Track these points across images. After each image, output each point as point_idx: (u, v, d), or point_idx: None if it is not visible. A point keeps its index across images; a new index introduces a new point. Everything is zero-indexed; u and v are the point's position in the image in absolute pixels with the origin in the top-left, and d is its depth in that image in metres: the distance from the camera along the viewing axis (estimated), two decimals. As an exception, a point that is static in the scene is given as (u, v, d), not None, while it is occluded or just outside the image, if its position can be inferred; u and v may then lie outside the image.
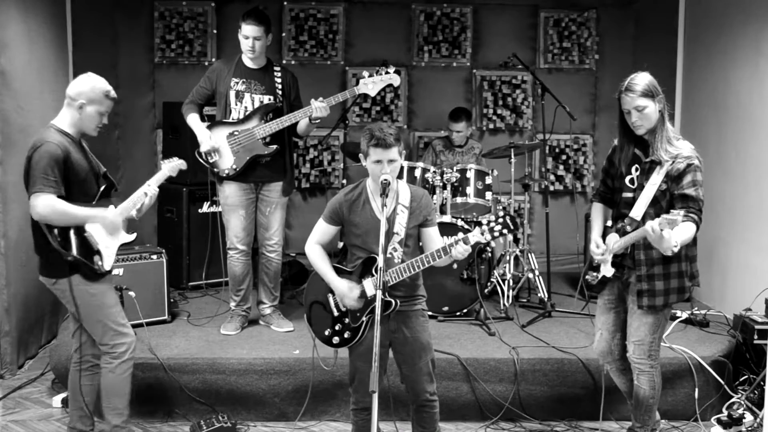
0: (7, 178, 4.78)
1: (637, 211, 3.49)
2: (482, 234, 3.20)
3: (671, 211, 3.20)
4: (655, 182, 3.45)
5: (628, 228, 3.48)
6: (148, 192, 3.71)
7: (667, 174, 3.43)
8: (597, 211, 3.77)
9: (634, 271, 3.53)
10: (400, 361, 3.44)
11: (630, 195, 3.56)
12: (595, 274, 3.65)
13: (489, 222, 3.21)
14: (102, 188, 3.61)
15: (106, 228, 3.56)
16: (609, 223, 3.70)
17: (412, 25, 6.96)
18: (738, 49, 5.42)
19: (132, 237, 3.74)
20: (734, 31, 5.46)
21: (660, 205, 3.45)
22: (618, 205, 3.65)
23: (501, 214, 3.22)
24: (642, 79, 3.45)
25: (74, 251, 3.44)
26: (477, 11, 6.97)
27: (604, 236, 3.62)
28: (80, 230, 3.48)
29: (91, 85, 3.53)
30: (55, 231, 3.44)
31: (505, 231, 3.19)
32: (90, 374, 3.74)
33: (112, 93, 3.59)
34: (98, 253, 3.53)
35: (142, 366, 4.25)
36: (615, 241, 3.52)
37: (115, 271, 4.06)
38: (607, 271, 3.59)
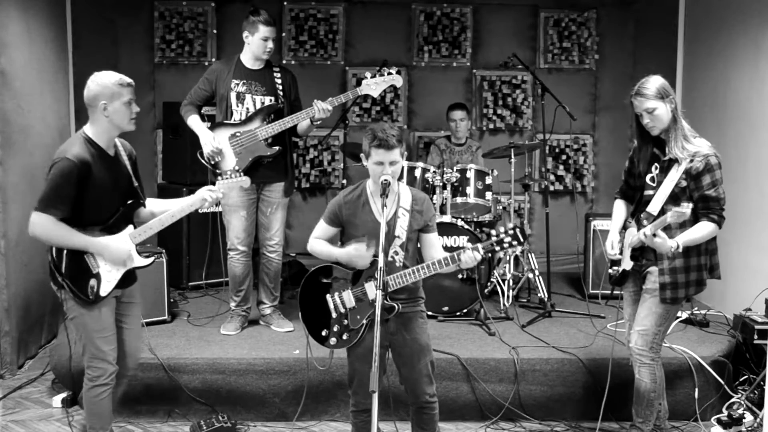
0: (7, 178, 4.78)
1: (654, 206, 3.57)
2: (492, 245, 3.15)
3: (682, 204, 3.29)
4: (673, 179, 3.52)
5: (645, 222, 3.54)
6: (176, 215, 3.50)
7: (687, 172, 3.49)
8: (618, 207, 3.86)
9: (656, 264, 3.59)
10: (399, 363, 3.42)
11: (651, 193, 3.62)
12: (616, 268, 3.75)
13: (499, 234, 3.17)
14: (122, 208, 3.42)
15: (108, 259, 3.37)
16: (632, 218, 3.76)
17: (412, 25, 6.97)
18: (738, 49, 5.42)
19: (147, 261, 3.50)
20: (734, 31, 5.47)
21: (680, 202, 3.49)
22: (639, 202, 3.71)
23: (510, 226, 3.17)
24: (651, 83, 3.54)
25: (67, 274, 3.29)
26: (477, 11, 6.97)
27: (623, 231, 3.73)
28: (81, 251, 3.33)
29: (100, 82, 3.34)
30: (53, 247, 3.30)
31: (515, 243, 3.15)
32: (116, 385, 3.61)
33: (125, 79, 3.38)
34: (96, 276, 3.35)
35: (142, 366, 4.24)
36: (633, 236, 3.59)
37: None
38: (627, 264, 3.68)
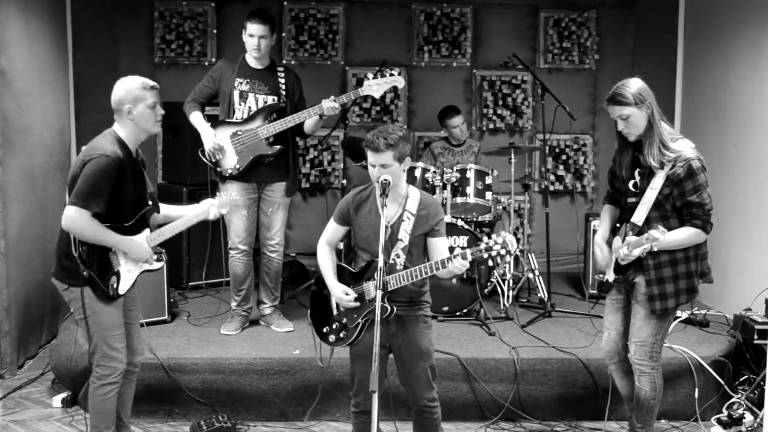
0: (7, 178, 4.78)
1: (638, 216, 3.49)
2: (481, 252, 3.11)
3: (658, 227, 3.27)
4: (655, 186, 3.44)
5: (630, 233, 3.50)
6: (186, 223, 3.59)
7: (669, 178, 3.41)
8: (605, 212, 3.80)
9: (643, 275, 3.52)
10: (399, 365, 3.44)
11: (634, 200, 3.55)
12: (601, 275, 3.70)
13: (488, 242, 3.12)
14: (141, 212, 3.47)
15: (134, 257, 3.45)
16: (618, 224, 3.71)
17: (412, 25, 6.96)
18: (738, 49, 5.42)
19: (159, 265, 3.60)
20: (734, 31, 5.47)
21: (664, 209, 3.45)
22: (624, 209, 3.66)
23: (503, 234, 3.12)
24: (626, 88, 3.43)
25: (93, 267, 3.34)
26: (477, 11, 6.97)
27: (611, 237, 3.67)
28: (106, 247, 3.38)
29: (124, 87, 3.40)
30: (80, 241, 3.33)
31: (503, 252, 3.10)
32: (127, 382, 3.65)
33: (149, 82, 3.43)
34: (117, 274, 3.42)
35: (143, 366, 4.23)
36: (618, 246, 3.54)
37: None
38: (610, 275, 3.63)
